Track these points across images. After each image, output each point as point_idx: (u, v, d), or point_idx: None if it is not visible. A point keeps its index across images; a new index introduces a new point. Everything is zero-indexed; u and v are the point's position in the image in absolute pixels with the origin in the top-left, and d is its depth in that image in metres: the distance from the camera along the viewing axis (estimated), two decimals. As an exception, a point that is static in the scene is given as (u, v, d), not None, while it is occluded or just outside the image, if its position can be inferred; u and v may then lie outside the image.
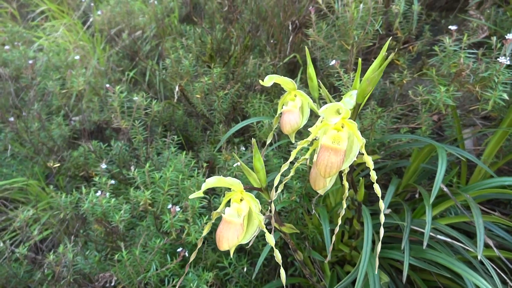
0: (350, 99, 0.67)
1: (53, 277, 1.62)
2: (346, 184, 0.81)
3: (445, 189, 1.24)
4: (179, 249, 1.32)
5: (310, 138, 0.69)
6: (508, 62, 1.12)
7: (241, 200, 0.71)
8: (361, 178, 0.92)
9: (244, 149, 1.85)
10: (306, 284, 1.62)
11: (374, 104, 1.64)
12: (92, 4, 2.95)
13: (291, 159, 0.72)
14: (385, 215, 1.34)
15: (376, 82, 0.68)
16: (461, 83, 1.22)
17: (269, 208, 0.77)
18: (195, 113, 2.35)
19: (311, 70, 0.81)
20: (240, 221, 0.69)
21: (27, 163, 2.29)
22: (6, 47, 2.29)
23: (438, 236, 1.23)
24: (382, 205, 0.70)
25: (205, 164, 1.59)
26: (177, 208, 1.34)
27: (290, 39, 2.40)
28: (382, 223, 0.73)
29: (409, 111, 2.11)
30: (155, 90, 2.82)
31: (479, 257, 0.97)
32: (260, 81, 0.77)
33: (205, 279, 1.45)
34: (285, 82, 0.80)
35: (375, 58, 2.18)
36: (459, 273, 1.01)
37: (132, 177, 1.53)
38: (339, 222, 0.87)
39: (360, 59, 0.75)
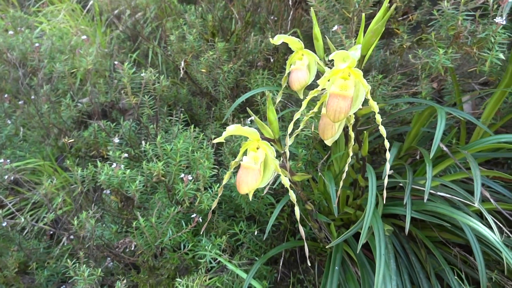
0: (355, 52, 0.72)
1: (71, 246, 1.70)
2: (352, 134, 0.87)
3: (444, 148, 1.30)
4: (193, 215, 1.40)
5: (319, 88, 0.74)
6: (504, 23, 1.16)
7: (257, 148, 0.77)
8: (364, 132, 0.97)
9: (249, 122, 1.91)
10: (314, 247, 1.71)
11: (376, 73, 1.69)
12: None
13: (302, 108, 0.77)
14: (388, 176, 1.40)
15: (379, 33, 0.73)
16: (459, 45, 1.26)
17: (281, 158, 0.83)
18: (199, 91, 2.39)
19: (316, 30, 0.85)
20: (257, 167, 0.75)
21: (38, 146, 2.35)
22: (10, 32, 2.32)
23: (439, 193, 1.30)
24: (387, 143, 0.76)
25: (213, 136, 1.64)
26: (189, 177, 1.40)
27: (291, 14, 2.42)
28: (388, 159, 0.79)
29: (409, 81, 2.15)
30: (158, 71, 2.85)
31: (476, 204, 1.04)
32: (270, 39, 0.82)
33: (218, 244, 1.53)
34: (293, 41, 0.85)
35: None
36: (459, 223, 1.08)
37: (144, 152, 1.59)
38: (346, 168, 0.94)
39: (363, 14, 0.80)
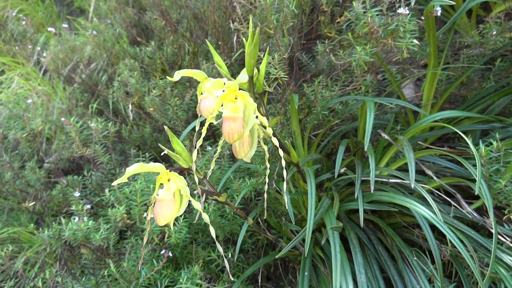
0: (244, 74, 0.77)
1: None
2: (265, 147, 0.91)
3: (386, 136, 1.35)
4: (162, 251, 1.41)
5: (214, 114, 0.79)
6: (407, 12, 1.24)
7: (168, 180, 0.81)
8: (287, 142, 1.02)
9: (210, 148, 1.94)
10: (293, 256, 1.72)
11: (322, 78, 1.75)
12: (39, 48, 3.02)
13: (203, 135, 0.82)
14: (342, 173, 1.45)
15: (255, 56, 0.78)
16: (377, 39, 1.34)
17: (205, 183, 0.87)
18: (162, 127, 2.44)
19: (217, 58, 0.91)
20: (170, 197, 0.79)
21: (13, 214, 2.35)
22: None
23: (391, 180, 1.34)
24: (281, 152, 0.81)
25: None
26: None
27: (235, 37, 2.50)
28: (284, 166, 0.83)
29: (356, 77, 2.23)
30: (122, 116, 2.90)
31: (412, 186, 1.08)
32: (168, 77, 0.86)
33: (194, 273, 1.53)
34: (195, 74, 0.90)
35: (312, 36, 2.29)
36: (405, 205, 1.12)
37: (107, 198, 1.61)
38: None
39: (244, 39, 0.85)
